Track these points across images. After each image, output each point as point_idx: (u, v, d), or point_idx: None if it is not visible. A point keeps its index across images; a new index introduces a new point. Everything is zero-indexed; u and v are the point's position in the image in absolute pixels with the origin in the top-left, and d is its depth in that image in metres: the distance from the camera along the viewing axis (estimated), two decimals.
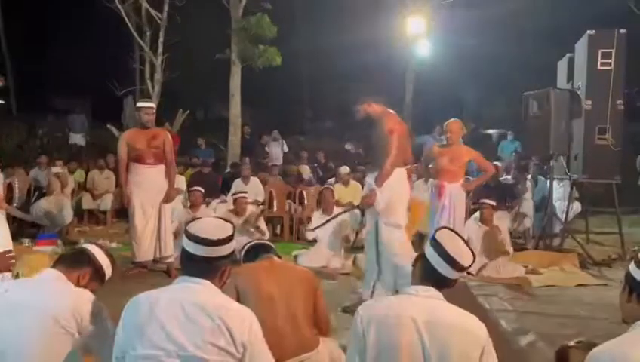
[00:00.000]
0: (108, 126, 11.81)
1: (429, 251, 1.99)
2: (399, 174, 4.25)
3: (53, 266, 2.18)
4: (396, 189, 4.23)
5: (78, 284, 2.17)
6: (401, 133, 4.25)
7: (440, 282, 1.97)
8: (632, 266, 1.85)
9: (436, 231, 2.05)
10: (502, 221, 6.43)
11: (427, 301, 1.92)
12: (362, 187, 8.33)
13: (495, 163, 8.46)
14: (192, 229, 1.97)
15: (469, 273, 5.89)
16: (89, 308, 2.05)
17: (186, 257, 1.98)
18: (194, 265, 1.96)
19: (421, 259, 2.02)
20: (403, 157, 4.31)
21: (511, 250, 6.16)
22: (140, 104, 5.75)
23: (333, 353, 2.68)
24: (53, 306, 1.99)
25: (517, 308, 4.73)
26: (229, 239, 1.99)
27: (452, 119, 5.93)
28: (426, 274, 1.98)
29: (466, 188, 5.83)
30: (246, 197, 6.89)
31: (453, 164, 5.72)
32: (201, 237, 1.94)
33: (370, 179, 4.42)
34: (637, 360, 1.68)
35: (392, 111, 4.43)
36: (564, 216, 7.28)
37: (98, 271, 2.27)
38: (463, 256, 1.97)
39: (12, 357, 1.93)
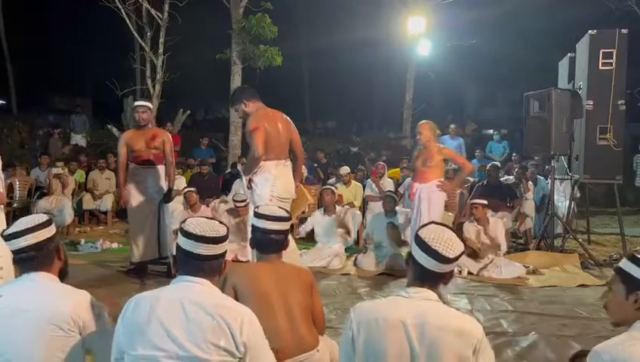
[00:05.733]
0: (108, 126, 11.80)
1: (414, 250, 1.94)
2: (267, 167, 4.45)
3: (27, 267, 2.09)
4: (260, 182, 4.44)
5: (60, 273, 2.15)
6: (269, 130, 4.42)
7: (431, 279, 1.92)
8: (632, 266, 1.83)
9: (420, 228, 1.99)
10: (499, 220, 6.40)
11: (419, 303, 1.88)
12: (364, 187, 8.42)
13: (494, 163, 8.45)
14: (189, 228, 1.96)
15: (470, 273, 5.89)
16: (90, 310, 2.04)
17: (184, 255, 1.97)
18: (193, 264, 1.95)
19: (410, 260, 1.97)
20: (275, 151, 4.48)
21: (504, 247, 6.12)
22: (134, 103, 5.92)
23: (333, 353, 2.67)
24: (53, 310, 1.98)
25: (518, 309, 4.71)
26: (226, 237, 2.01)
27: (422, 121, 5.91)
28: (416, 274, 1.94)
29: (443, 188, 5.70)
30: (246, 207, 6.79)
31: (425, 165, 5.69)
32: (200, 234, 1.94)
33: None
34: (638, 358, 1.67)
35: (265, 108, 4.59)
36: (564, 216, 7.28)
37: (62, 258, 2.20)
38: (448, 248, 1.87)
39: None
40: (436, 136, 5.82)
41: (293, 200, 4.66)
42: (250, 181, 4.50)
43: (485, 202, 6.25)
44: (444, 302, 1.93)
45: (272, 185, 4.44)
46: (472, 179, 9.11)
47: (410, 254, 1.98)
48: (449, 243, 1.89)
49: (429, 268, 1.89)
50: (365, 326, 1.87)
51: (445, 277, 1.94)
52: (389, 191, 6.93)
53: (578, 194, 7.68)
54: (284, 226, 2.69)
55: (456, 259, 1.91)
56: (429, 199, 5.61)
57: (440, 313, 1.87)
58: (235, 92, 4.87)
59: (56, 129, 12.12)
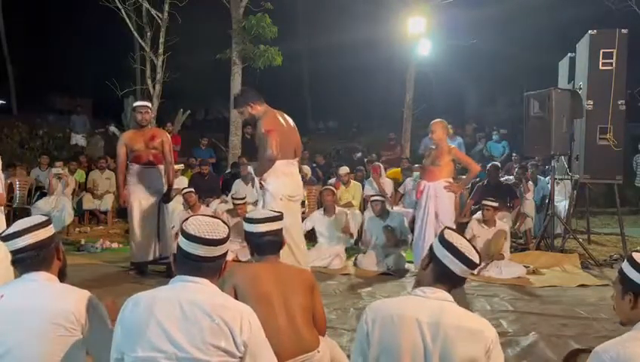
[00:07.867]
0: (108, 127, 11.81)
1: (441, 252, 1.95)
2: (278, 166, 4.47)
3: (26, 267, 2.08)
4: (272, 182, 4.47)
5: (60, 274, 2.15)
6: (280, 131, 4.48)
7: (454, 282, 1.97)
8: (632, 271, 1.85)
9: (442, 232, 2.01)
10: (506, 225, 6.40)
11: (434, 303, 1.90)
12: (363, 187, 8.42)
13: (494, 162, 8.44)
14: (189, 229, 1.94)
15: (470, 273, 5.88)
16: (91, 309, 2.04)
17: (183, 256, 1.95)
18: (191, 264, 1.94)
19: (432, 262, 1.98)
20: (285, 151, 4.53)
21: (507, 255, 6.14)
22: (134, 104, 6.00)
23: (333, 352, 2.66)
24: (55, 309, 1.97)
25: (518, 309, 4.71)
26: (226, 239, 1.98)
27: (435, 120, 5.91)
28: (438, 275, 1.96)
29: (450, 190, 5.68)
30: (244, 205, 6.78)
31: (434, 164, 5.72)
32: (199, 236, 1.92)
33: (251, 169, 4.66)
34: (639, 358, 1.68)
35: (273, 110, 4.62)
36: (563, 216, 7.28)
37: (60, 256, 2.19)
38: (473, 254, 1.97)
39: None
40: (448, 136, 5.82)
41: None
42: (261, 181, 4.52)
43: (496, 204, 6.26)
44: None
45: (283, 184, 4.49)
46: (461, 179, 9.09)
47: (433, 255, 1.98)
48: (474, 250, 1.98)
49: (456, 272, 1.94)
50: (380, 322, 1.89)
51: (463, 282, 2.02)
52: (374, 195, 6.89)
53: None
54: (277, 226, 2.68)
55: (479, 265, 2.03)
56: (437, 197, 5.62)
57: (455, 313, 1.89)
58: (239, 94, 4.81)
59: (99, 129, 12.19)
